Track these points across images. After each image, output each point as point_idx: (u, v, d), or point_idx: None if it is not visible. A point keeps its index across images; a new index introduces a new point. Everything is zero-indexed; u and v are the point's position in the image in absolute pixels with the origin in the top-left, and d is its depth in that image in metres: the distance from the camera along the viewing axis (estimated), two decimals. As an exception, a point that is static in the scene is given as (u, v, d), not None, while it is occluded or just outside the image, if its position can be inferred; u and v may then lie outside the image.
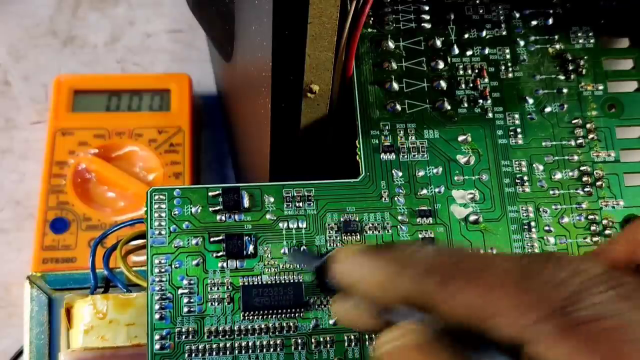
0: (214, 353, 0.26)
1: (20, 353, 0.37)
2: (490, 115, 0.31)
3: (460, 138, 0.31)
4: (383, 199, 0.29)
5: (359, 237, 0.28)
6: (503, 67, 0.32)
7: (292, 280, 0.27)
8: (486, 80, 0.32)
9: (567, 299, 0.18)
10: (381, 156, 0.30)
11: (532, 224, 0.30)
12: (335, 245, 0.28)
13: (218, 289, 0.27)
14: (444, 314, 0.19)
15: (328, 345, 0.27)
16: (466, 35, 0.33)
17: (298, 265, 0.27)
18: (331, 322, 0.27)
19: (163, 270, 0.27)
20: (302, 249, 0.26)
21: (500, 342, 0.18)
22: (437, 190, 0.30)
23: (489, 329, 0.18)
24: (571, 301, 0.18)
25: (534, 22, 0.33)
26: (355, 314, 0.23)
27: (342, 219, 0.28)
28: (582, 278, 0.18)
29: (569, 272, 0.18)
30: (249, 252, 0.27)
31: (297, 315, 0.27)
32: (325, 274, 0.23)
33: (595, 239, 0.30)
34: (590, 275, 0.18)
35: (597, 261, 0.19)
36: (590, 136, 0.32)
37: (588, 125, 0.32)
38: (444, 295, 0.19)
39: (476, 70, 0.32)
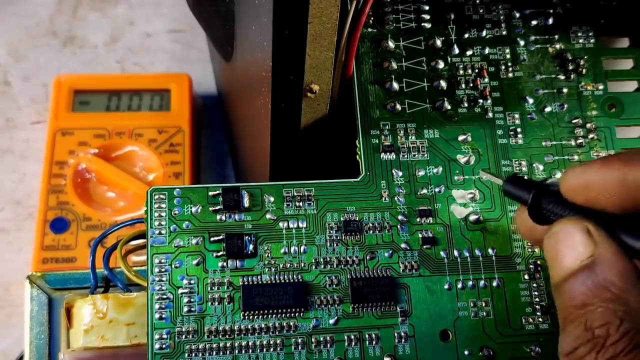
0: (214, 353, 0.26)
1: (20, 358, 0.37)
2: (490, 115, 0.31)
3: (461, 138, 0.31)
4: (383, 198, 0.29)
5: (359, 237, 0.28)
6: (503, 67, 0.32)
7: (292, 280, 0.27)
8: (486, 80, 0.32)
9: None
10: (381, 156, 0.30)
11: (532, 223, 0.30)
12: (335, 244, 0.28)
13: (218, 288, 0.27)
14: None
15: (328, 345, 0.27)
16: (466, 35, 0.33)
17: (513, 197, 0.26)
18: (331, 322, 0.27)
19: (163, 270, 0.27)
20: (515, 177, 0.25)
21: None
22: (437, 190, 0.30)
23: None
24: None
25: (534, 22, 0.33)
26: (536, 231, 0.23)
27: (342, 219, 0.28)
28: None
29: None
30: (249, 252, 0.27)
31: (297, 315, 0.27)
32: (544, 201, 0.23)
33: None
34: None
35: None
36: (590, 136, 0.32)
37: (588, 125, 0.32)
38: None
39: (476, 70, 0.32)
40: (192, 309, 0.27)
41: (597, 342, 0.20)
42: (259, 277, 0.27)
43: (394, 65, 0.32)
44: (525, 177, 0.25)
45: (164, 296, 0.27)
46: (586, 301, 0.20)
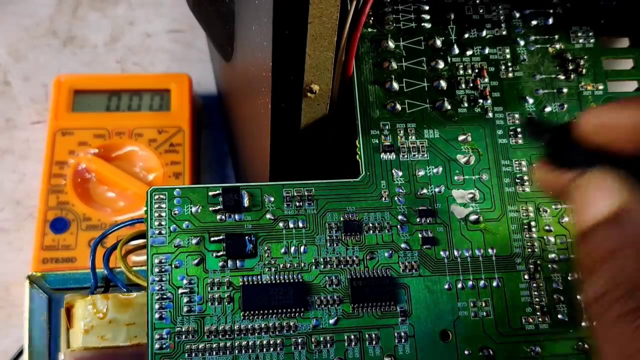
0: (214, 353, 0.26)
1: (20, 353, 0.37)
2: (491, 115, 0.31)
3: (461, 138, 0.31)
4: (383, 198, 0.29)
5: (359, 237, 0.28)
6: (503, 67, 0.32)
7: (292, 280, 0.27)
8: (486, 80, 0.32)
9: None
10: (381, 156, 0.30)
11: (532, 223, 0.30)
12: (335, 244, 0.28)
13: (218, 288, 0.27)
14: None
15: (328, 345, 0.27)
16: (466, 35, 0.33)
17: (533, 138, 0.25)
18: (331, 322, 0.27)
19: (163, 270, 0.27)
20: (534, 120, 0.25)
21: None
22: (437, 190, 0.30)
23: None
24: None
25: (534, 22, 0.33)
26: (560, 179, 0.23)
27: (342, 219, 0.28)
28: None
29: None
30: (249, 252, 0.27)
31: (297, 315, 0.27)
32: (564, 142, 0.23)
33: (595, 238, 0.30)
34: None
35: None
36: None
37: (588, 125, 0.32)
38: None
39: (476, 70, 0.32)
40: (192, 309, 0.27)
41: (629, 285, 0.19)
42: (259, 277, 0.27)
43: (394, 65, 0.32)
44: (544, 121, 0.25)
45: (164, 296, 0.27)
46: (618, 246, 0.20)
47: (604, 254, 0.20)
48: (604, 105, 0.23)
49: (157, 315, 0.26)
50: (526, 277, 0.29)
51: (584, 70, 0.33)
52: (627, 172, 0.22)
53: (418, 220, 0.29)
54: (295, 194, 0.29)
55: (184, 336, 0.26)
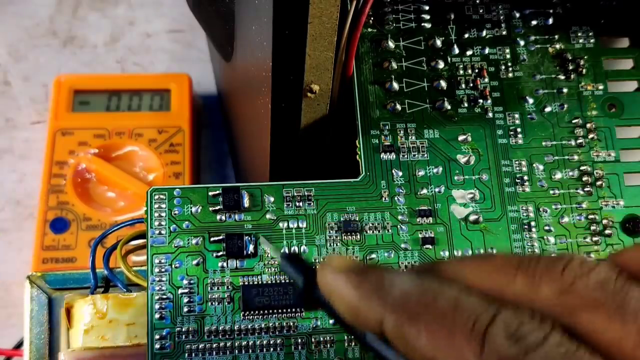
0: (214, 353, 0.26)
1: (20, 344, 0.37)
2: (490, 115, 0.31)
3: (461, 138, 0.31)
4: (383, 198, 0.29)
5: (359, 237, 0.28)
6: (503, 67, 0.32)
7: (292, 280, 0.27)
8: (486, 80, 0.32)
9: None
10: (381, 156, 0.30)
11: (532, 223, 0.30)
12: (335, 244, 0.28)
13: (218, 288, 0.27)
14: (407, 351, 0.19)
15: (328, 345, 0.27)
16: (466, 35, 0.33)
17: (287, 276, 0.25)
18: (331, 321, 0.27)
19: (163, 270, 0.27)
20: (293, 254, 0.25)
21: None
22: (437, 190, 0.30)
23: None
24: None
25: (534, 22, 0.33)
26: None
27: (342, 219, 0.28)
28: None
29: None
30: (249, 252, 0.27)
31: (297, 315, 0.27)
32: (313, 287, 0.22)
33: (595, 238, 0.30)
34: None
35: None
36: (590, 136, 0.32)
37: (588, 125, 0.32)
38: (411, 332, 0.18)
39: (476, 70, 0.32)
40: (192, 309, 0.27)
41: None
42: (259, 277, 0.27)
43: (394, 65, 0.32)
44: (300, 258, 0.23)
45: (164, 296, 0.27)
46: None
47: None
48: (333, 266, 0.21)
49: (157, 315, 0.26)
50: (526, 277, 0.29)
51: (584, 70, 0.33)
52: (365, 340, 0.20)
53: (418, 220, 0.29)
54: (295, 194, 0.29)
55: (184, 336, 0.26)
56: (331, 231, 0.28)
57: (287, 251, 0.28)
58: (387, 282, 0.20)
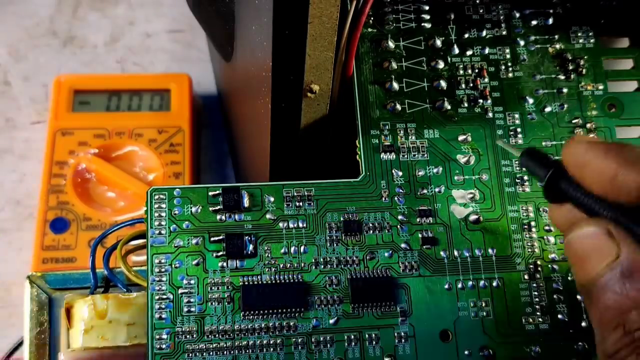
0: (214, 353, 0.26)
1: (20, 344, 0.37)
2: (490, 115, 0.31)
3: (460, 138, 0.31)
4: (383, 198, 0.29)
5: (359, 236, 0.28)
6: (503, 67, 0.32)
7: (292, 280, 0.27)
8: (486, 80, 0.32)
9: None
10: (381, 156, 0.30)
11: (532, 223, 0.30)
12: (335, 244, 0.28)
13: (218, 288, 0.27)
14: None
15: (328, 345, 0.27)
16: (466, 35, 0.33)
17: (529, 171, 0.25)
18: (331, 322, 0.27)
19: (163, 270, 0.27)
20: (533, 150, 0.25)
21: None
22: (437, 190, 0.30)
23: None
24: None
25: (534, 22, 0.33)
26: (570, 216, 0.23)
27: (342, 219, 0.28)
28: None
29: None
30: (249, 252, 0.27)
31: (297, 315, 0.27)
32: (559, 178, 0.23)
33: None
34: None
35: None
36: (591, 136, 0.32)
37: (588, 125, 0.32)
38: None
39: (476, 70, 0.32)
40: (192, 309, 0.27)
41: (638, 344, 0.20)
42: (259, 277, 0.27)
43: (394, 65, 0.32)
44: (542, 152, 0.25)
45: (164, 296, 0.27)
46: (620, 305, 0.20)
47: (607, 312, 0.21)
48: (589, 143, 0.22)
49: (157, 315, 0.26)
50: (526, 277, 0.29)
51: (584, 70, 0.33)
52: (622, 217, 0.21)
53: (418, 220, 0.29)
54: (295, 194, 0.29)
55: (184, 336, 0.26)
56: (331, 231, 0.28)
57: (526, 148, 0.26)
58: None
